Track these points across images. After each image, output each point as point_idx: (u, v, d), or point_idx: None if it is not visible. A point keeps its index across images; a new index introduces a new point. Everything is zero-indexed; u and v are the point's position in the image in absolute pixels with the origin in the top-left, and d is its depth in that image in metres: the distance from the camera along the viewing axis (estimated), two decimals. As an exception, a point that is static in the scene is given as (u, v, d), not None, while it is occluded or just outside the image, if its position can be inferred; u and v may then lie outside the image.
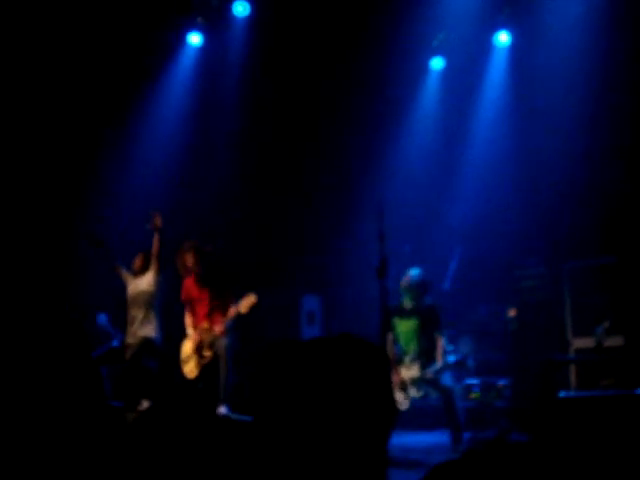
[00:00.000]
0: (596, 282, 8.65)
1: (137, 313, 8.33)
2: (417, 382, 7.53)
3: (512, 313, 9.28)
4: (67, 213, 10.14)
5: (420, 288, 7.74)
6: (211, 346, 7.92)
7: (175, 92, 11.10)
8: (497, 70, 10.86)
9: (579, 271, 8.85)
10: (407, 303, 7.74)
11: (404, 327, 7.72)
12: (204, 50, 10.97)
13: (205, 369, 7.98)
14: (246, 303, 7.73)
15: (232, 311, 7.83)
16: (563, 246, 9.29)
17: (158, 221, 8.20)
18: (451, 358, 8.67)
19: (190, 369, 8.03)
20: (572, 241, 9.17)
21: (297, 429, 1.37)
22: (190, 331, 8.20)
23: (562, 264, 8.95)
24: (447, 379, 7.62)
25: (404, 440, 7.92)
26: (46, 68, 9.76)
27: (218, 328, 7.84)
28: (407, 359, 7.66)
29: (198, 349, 8.01)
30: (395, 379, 7.54)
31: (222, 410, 7.57)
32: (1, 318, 1.27)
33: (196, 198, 11.17)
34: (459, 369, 9.11)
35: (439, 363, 7.56)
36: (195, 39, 10.82)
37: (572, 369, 8.32)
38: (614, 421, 5.40)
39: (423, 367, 7.52)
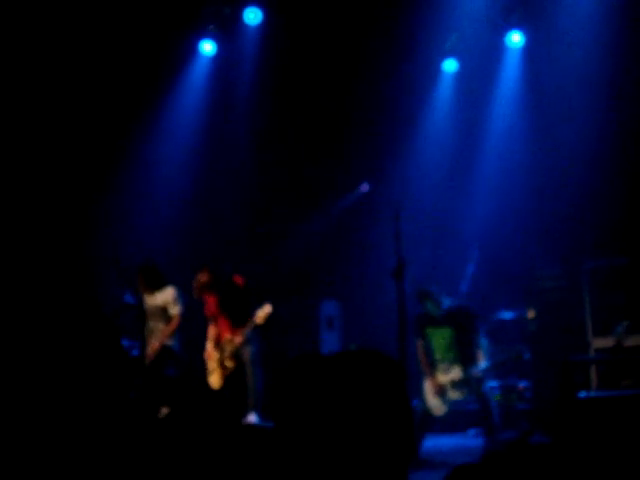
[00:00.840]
0: (615, 282, 8.60)
1: (156, 325, 8.40)
2: (459, 384, 7.50)
3: (531, 315, 9.25)
4: (84, 223, 10.19)
5: (439, 294, 7.71)
6: (233, 357, 8.01)
7: (188, 101, 11.12)
8: (510, 71, 10.82)
9: (598, 271, 8.80)
10: (433, 310, 7.70)
11: (438, 337, 7.68)
12: (217, 58, 10.99)
13: (229, 379, 8.06)
14: (262, 314, 7.86)
15: (249, 322, 7.95)
16: (582, 246, 9.25)
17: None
18: (502, 355, 8.60)
19: (214, 380, 8.15)
20: (591, 241, 9.13)
21: (317, 440, 1.38)
22: (210, 345, 8.29)
23: (581, 264, 8.91)
24: (485, 389, 7.61)
25: (436, 442, 7.93)
26: (60, 78, 9.81)
27: (238, 339, 7.95)
28: (443, 364, 7.63)
29: (221, 361, 8.11)
30: (431, 385, 7.52)
31: (252, 418, 7.64)
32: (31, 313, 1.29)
33: (213, 206, 11.21)
34: (516, 364, 9.05)
35: (483, 362, 7.52)
36: (208, 47, 10.84)
37: (593, 369, 8.28)
38: (635, 421, 5.37)
39: (466, 369, 7.49)
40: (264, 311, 7.85)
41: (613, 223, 8.85)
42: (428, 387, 7.50)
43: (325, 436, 1.38)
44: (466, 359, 7.56)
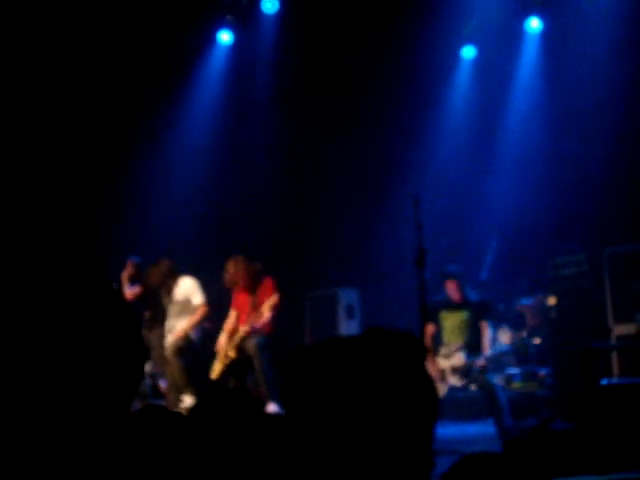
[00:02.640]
0: (636, 267, 8.55)
1: (178, 321, 8.51)
2: (459, 371, 7.52)
3: (552, 301, 9.22)
4: (96, 215, 10.24)
5: (462, 281, 7.74)
6: (236, 347, 8.06)
7: (207, 91, 11.15)
8: (529, 57, 10.78)
9: (619, 257, 8.75)
10: (454, 294, 7.71)
11: (452, 320, 7.71)
12: (234, 48, 11.01)
13: (229, 370, 8.12)
14: (268, 305, 7.90)
15: (257, 314, 8.06)
16: (602, 232, 9.20)
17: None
18: (505, 347, 8.62)
19: (216, 369, 8.21)
20: (611, 227, 9.08)
21: (336, 427, 1.37)
22: (224, 336, 8.34)
23: (601, 250, 8.86)
24: (490, 375, 7.62)
25: (449, 431, 7.93)
26: (77, 69, 9.85)
27: (243, 329, 8.00)
28: (446, 349, 7.65)
29: (226, 351, 8.18)
30: (431, 368, 7.53)
31: (272, 407, 7.68)
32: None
33: (230, 196, 11.23)
34: (521, 354, 9.07)
35: (487, 351, 7.55)
36: (225, 37, 10.86)
37: (614, 357, 8.25)
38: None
39: (469, 356, 7.51)
40: (271, 301, 7.91)
41: (634, 209, 8.79)
42: (431, 369, 7.51)
43: (344, 422, 1.37)
44: (472, 347, 7.58)
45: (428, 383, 1.46)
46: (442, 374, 7.54)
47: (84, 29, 9.59)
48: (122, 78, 10.13)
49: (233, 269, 8.26)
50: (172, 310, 8.60)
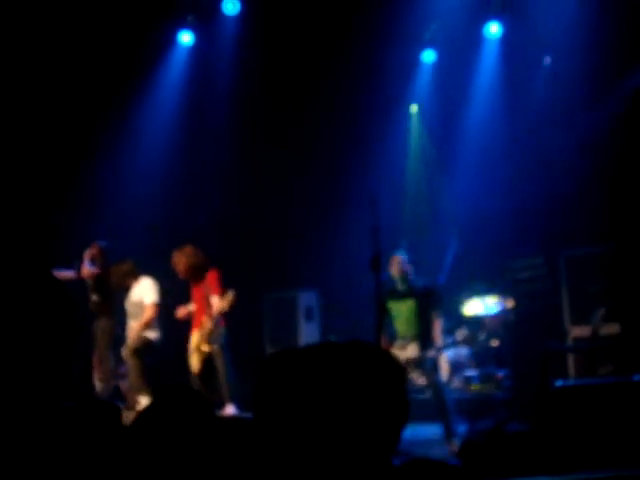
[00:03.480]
0: (592, 270, 8.66)
1: (132, 320, 8.48)
2: (414, 363, 7.51)
3: (509, 304, 9.30)
4: (56, 217, 10.13)
5: (408, 269, 7.70)
6: (208, 341, 8.00)
7: (167, 91, 11.09)
8: (488, 61, 10.87)
9: (575, 260, 8.86)
10: (400, 285, 7.66)
11: (400, 309, 7.66)
12: (195, 49, 10.97)
13: (206, 366, 8.03)
14: (224, 302, 7.85)
15: (217, 304, 7.96)
16: (558, 236, 9.30)
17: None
18: (450, 339, 8.64)
19: (194, 363, 8.12)
20: (567, 230, 9.18)
21: (305, 434, 1.36)
22: (194, 330, 8.29)
23: (558, 253, 8.96)
24: (439, 376, 7.64)
25: (418, 431, 7.94)
26: (36, 68, 9.74)
27: (208, 324, 7.95)
28: (402, 341, 7.63)
29: (197, 344, 8.10)
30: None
31: (230, 410, 7.63)
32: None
33: (189, 197, 11.19)
34: (469, 345, 9.09)
35: (439, 343, 7.55)
36: (186, 38, 10.82)
37: (570, 358, 8.34)
38: (611, 408, 5.42)
39: (422, 348, 7.51)
40: (227, 298, 7.85)
41: (590, 212, 8.90)
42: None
43: (310, 430, 1.36)
44: (424, 338, 7.54)
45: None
46: None
47: (43, 29, 9.49)
48: (82, 79, 10.04)
49: (175, 259, 8.21)
50: (130, 310, 8.57)
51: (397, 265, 7.70)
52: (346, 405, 1.36)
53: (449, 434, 7.29)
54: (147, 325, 8.37)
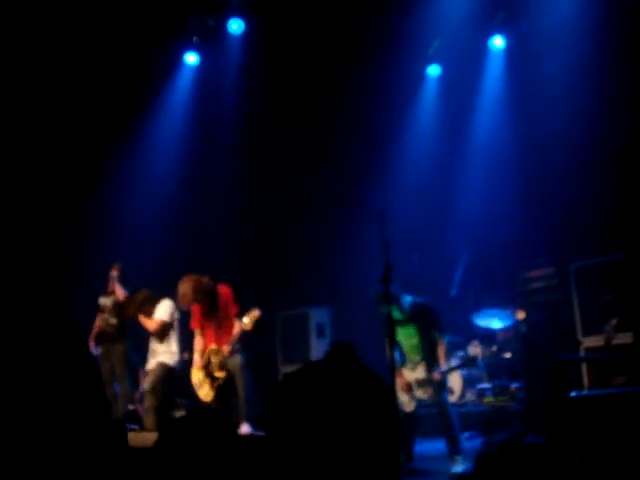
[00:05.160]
0: (603, 280, 8.64)
1: (153, 343, 8.50)
2: (423, 383, 7.53)
3: (521, 315, 9.29)
4: (68, 239, 10.19)
5: (397, 297, 7.41)
6: (222, 367, 7.90)
7: (173, 111, 11.17)
8: (494, 74, 10.91)
9: (586, 270, 8.84)
10: (396, 315, 7.43)
11: (405, 336, 7.67)
12: (201, 69, 11.05)
13: (220, 390, 7.97)
14: (250, 319, 7.74)
15: (237, 328, 7.85)
16: (569, 246, 9.29)
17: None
18: (456, 360, 8.68)
19: (205, 393, 8.02)
20: (578, 240, 9.17)
21: (308, 453, 1.40)
22: (196, 357, 8.20)
23: (569, 264, 8.95)
24: (445, 395, 7.63)
25: (430, 447, 7.93)
26: (43, 89, 9.81)
27: (226, 348, 7.84)
28: (410, 363, 7.65)
29: (209, 372, 8.01)
30: (399, 382, 7.53)
31: (245, 429, 7.57)
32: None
33: (198, 216, 11.23)
34: (469, 368, 9.10)
35: (444, 365, 7.56)
36: (191, 59, 10.91)
37: (584, 369, 8.31)
38: (626, 418, 5.40)
39: (429, 369, 7.52)
40: (252, 315, 7.75)
41: (600, 223, 8.89)
42: (398, 383, 7.49)
43: (316, 449, 1.40)
44: (430, 359, 7.56)
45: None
46: (409, 387, 7.56)
47: (57, 46, 9.57)
48: (90, 99, 10.11)
49: (181, 290, 8.00)
50: (152, 336, 8.54)
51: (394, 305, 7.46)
52: (345, 423, 1.41)
53: (454, 451, 7.27)
54: (152, 331, 8.40)
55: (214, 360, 7.93)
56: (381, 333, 7.67)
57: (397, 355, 7.68)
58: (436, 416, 7.57)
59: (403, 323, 7.54)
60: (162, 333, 8.41)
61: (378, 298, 7.38)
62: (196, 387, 8.11)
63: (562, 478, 5.05)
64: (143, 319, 8.44)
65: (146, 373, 8.44)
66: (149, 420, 8.08)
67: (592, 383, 8.11)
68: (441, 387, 7.55)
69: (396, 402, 1.54)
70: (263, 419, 1.47)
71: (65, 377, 1.26)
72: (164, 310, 8.44)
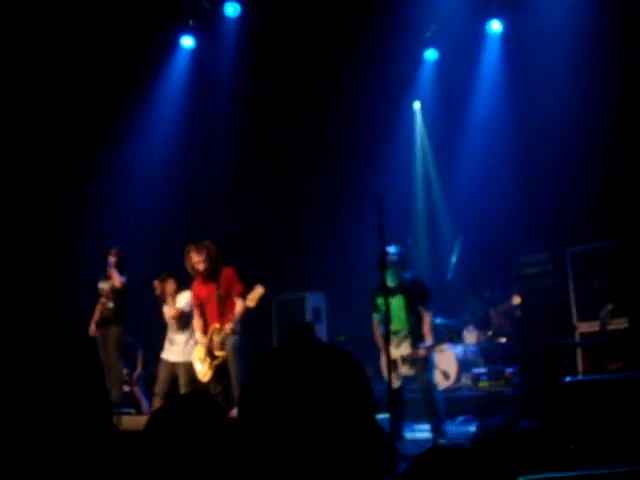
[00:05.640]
0: (599, 266, 8.63)
1: (172, 333, 8.52)
2: (408, 360, 7.48)
3: (516, 300, 9.30)
4: (63, 219, 10.16)
5: (400, 265, 7.53)
6: (222, 346, 7.85)
7: (170, 94, 11.14)
8: (491, 58, 10.88)
9: (582, 255, 8.83)
10: (390, 282, 7.37)
11: (393, 307, 7.53)
12: (197, 52, 11.02)
13: (218, 371, 7.94)
14: (254, 296, 7.67)
15: (240, 306, 7.79)
16: (565, 231, 9.30)
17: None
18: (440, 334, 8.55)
19: (204, 372, 7.98)
20: (574, 226, 9.17)
21: (283, 435, 1.41)
22: (199, 335, 8.16)
23: (564, 249, 8.95)
24: (429, 374, 7.54)
25: (424, 430, 7.92)
26: (39, 72, 9.76)
27: (229, 326, 7.79)
28: (396, 338, 7.56)
29: (209, 351, 7.97)
30: (384, 360, 7.52)
31: (235, 412, 7.54)
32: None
33: (193, 199, 11.21)
34: (454, 342, 9.03)
35: (429, 340, 7.49)
36: (187, 42, 10.88)
37: (579, 355, 8.32)
38: (621, 404, 5.42)
39: (414, 345, 7.47)
40: (256, 292, 7.68)
41: (595, 208, 8.89)
42: (383, 361, 7.49)
43: (291, 431, 1.40)
44: (415, 334, 7.49)
45: (360, 387, 1.52)
46: (394, 364, 7.47)
47: (48, 33, 9.52)
48: (86, 82, 10.06)
49: (197, 253, 7.93)
50: (172, 324, 8.52)
51: (386, 259, 7.58)
52: (311, 401, 1.43)
53: (437, 435, 7.25)
54: (170, 318, 8.41)
55: (215, 339, 7.89)
56: (369, 304, 7.69)
57: (383, 330, 7.66)
58: (422, 401, 7.51)
59: (393, 293, 7.44)
60: (182, 323, 8.40)
61: (383, 264, 7.39)
62: (195, 366, 8.08)
63: (556, 462, 5.08)
64: (168, 303, 8.41)
65: (160, 360, 8.41)
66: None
67: (587, 368, 8.12)
68: (426, 366, 7.48)
69: (365, 376, 1.55)
70: (238, 405, 1.49)
71: (61, 362, 1.25)
72: (184, 301, 8.41)
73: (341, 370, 1.49)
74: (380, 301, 7.55)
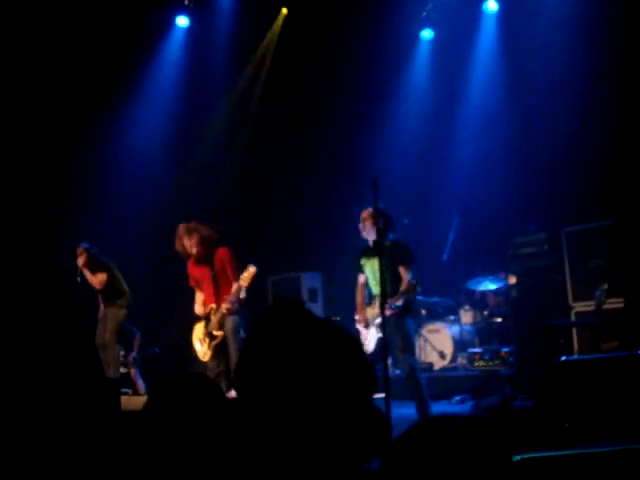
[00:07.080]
0: (595, 245, 8.65)
1: None
2: (374, 320, 7.31)
3: (512, 280, 9.32)
4: (54, 200, 10.13)
5: (381, 223, 6.96)
6: (220, 326, 7.87)
7: (164, 74, 11.10)
8: (487, 37, 10.85)
9: (577, 235, 8.84)
10: (372, 242, 7.29)
11: (371, 267, 7.39)
12: (191, 31, 10.97)
13: (217, 350, 7.94)
14: (247, 275, 7.68)
15: (235, 286, 7.76)
16: (561, 211, 9.30)
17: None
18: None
19: (204, 352, 7.99)
20: (569, 206, 9.18)
21: (278, 412, 1.41)
22: (198, 307, 8.17)
23: (560, 229, 8.95)
24: (412, 359, 7.36)
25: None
26: (32, 52, 9.70)
27: (225, 306, 7.80)
28: (375, 300, 7.34)
29: (208, 331, 7.98)
30: (359, 318, 7.49)
31: (233, 393, 7.52)
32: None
33: (188, 179, 11.19)
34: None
35: (398, 301, 7.10)
36: (182, 21, 10.84)
37: (575, 335, 8.35)
38: (616, 382, 5.44)
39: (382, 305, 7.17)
40: (249, 272, 7.65)
41: (591, 188, 8.89)
42: (357, 319, 7.49)
43: (287, 407, 1.41)
44: (391, 293, 7.10)
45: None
46: (366, 322, 7.39)
47: (41, 12, 9.46)
48: (80, 63, 10.01)
49: (185, 235, 7.94)
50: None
51: (366, 220, 7.34)
52: (311, 378, 1.43)
53: (423, 414, 7.04)
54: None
55: (213, 318, 7.91)
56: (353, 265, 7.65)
57: (367, 293, 7.62)
58: (406, 381, 7.32)
59: (374, 254, 7.13)
60: None
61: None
62: (195, 345, 8.10)
63: (551, 440, 5.11)
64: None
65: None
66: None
67: (582, 348, 8.15)
68: (407, 344, 7.18)
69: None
70: (233, 385, 1.50)
71: (55, 336, 1.25)
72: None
73: (335, 346, 1.49)
74: (363, 262, 7.53)
